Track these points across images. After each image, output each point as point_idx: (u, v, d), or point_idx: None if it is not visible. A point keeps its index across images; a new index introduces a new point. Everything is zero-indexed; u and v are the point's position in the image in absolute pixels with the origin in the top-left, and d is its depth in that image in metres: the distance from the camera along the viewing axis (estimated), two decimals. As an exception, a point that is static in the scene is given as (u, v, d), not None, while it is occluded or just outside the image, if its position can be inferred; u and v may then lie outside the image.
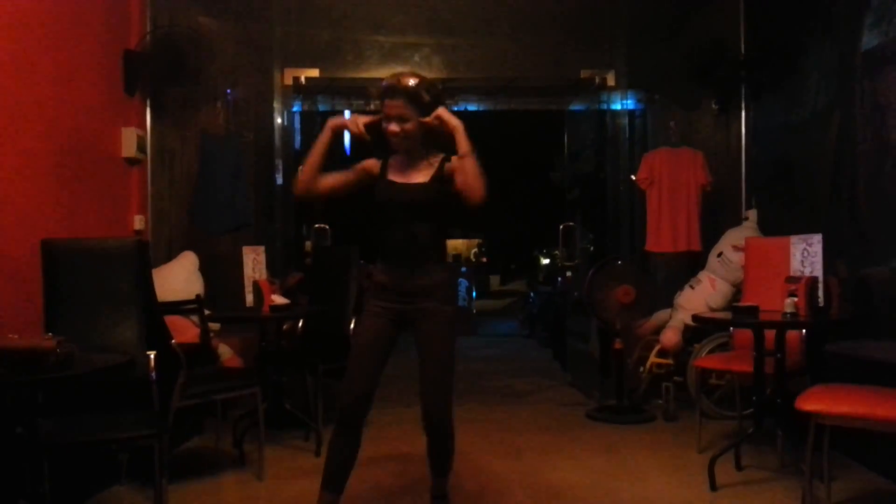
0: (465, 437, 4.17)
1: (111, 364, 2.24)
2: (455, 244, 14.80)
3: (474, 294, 10.66)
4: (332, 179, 2.75)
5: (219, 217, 4.81)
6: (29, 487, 2.33)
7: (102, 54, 3.91)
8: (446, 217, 2.70)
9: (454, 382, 2.70)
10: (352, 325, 4.41)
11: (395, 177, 2.70)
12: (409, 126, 2.61)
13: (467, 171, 2.54)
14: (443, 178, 2.63)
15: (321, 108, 6.85)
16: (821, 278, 3.29)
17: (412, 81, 2.60)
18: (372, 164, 2.77)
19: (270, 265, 4.46)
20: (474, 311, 10.34)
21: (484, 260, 13.80)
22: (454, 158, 2.61)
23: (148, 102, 4.34)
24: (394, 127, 2.61)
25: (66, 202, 3.54)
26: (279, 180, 6.16)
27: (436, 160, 2.69)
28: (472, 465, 3.67)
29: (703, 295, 4.61)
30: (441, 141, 2.66)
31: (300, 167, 2.69)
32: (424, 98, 2.60)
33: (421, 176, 2.67)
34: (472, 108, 6.94)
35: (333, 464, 2.69)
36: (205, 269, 4.40)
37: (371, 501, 3.30)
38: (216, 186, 4.82)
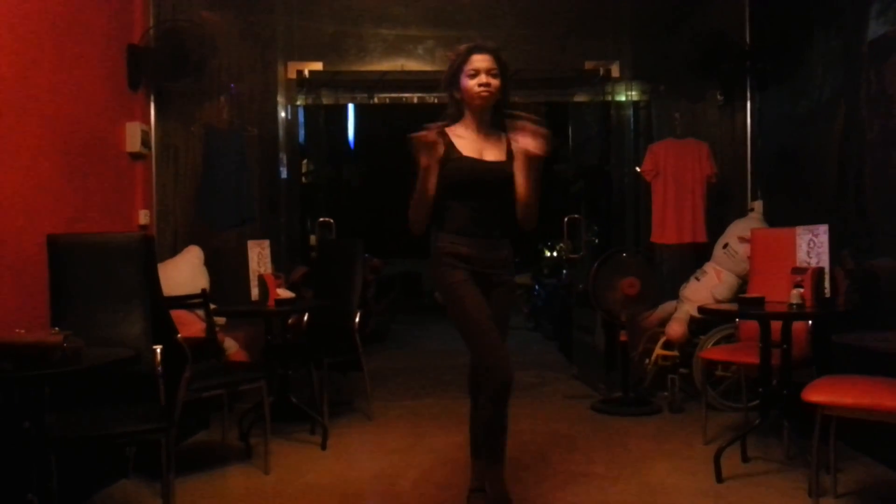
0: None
1: (117, 358, 2.25)
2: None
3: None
4: (432, 189, 2.65)
5: (223, 212, 4.82)
6: (36, 482, 2.34)
7: (106, 49, 3.91)
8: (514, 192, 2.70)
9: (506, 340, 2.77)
10: (357, 319, 4.42)
11: (469, 151, 2.68)
12: (498, 82, 2.65)
13: (530, 204, 2.68)
14: (512, 154, 2.70)
15: (324, 101, 6.84)
16: (827, 269, 3.27)
17: (492, 44, 2.69)
18: (436, 138, 2.64)
19: (275, 259, 4.47)
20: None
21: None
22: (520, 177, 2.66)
23: (152, 97, 4.34)
24: (484, 78, 2.63)
25: (70, 197, 3.54)
26: (283, 174, 6.16)
27: (500, 132, 2.74)
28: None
29: (708, 286, 4.60)
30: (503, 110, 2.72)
31: (410, 206, 2.68)
32: (504, 59, 2.69)
33: (496, 152, 2.71)
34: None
35: (488, 434, 2.70)
36: (210, 264, 4.41)
37: (377, 494, 3.31)
38: (220, 181, 4.82)
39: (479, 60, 2.63)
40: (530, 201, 2.68)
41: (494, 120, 2.75)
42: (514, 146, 2.67)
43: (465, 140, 2.69)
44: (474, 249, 2.68)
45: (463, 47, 2.68)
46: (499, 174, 2.67)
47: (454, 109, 2.74)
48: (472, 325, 2.63)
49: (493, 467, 2.69)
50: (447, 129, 2.70)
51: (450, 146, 2.66)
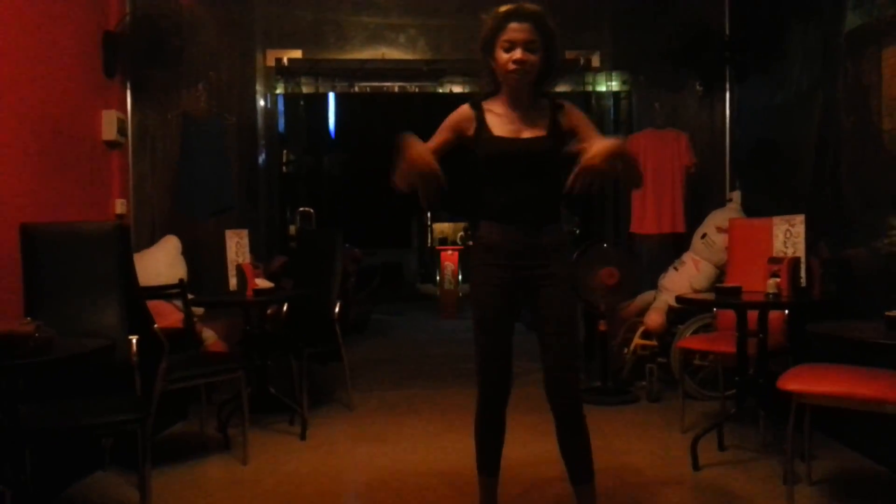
0: (450, 420, 4.19)
1: (91, 349, 2.22)
2: (441, 227, 14.82)
3: (460, 277, 10.66)
4: (435, 153, 2.32)
5: (201, 200, 4.77)
6: (10, 474, 2.31)
7: (81, 36, 3.85)
8: (559, 170, 2.36)
9: (579, 355, 2.51)
10: (336, 309, 4.40)
11: (503, 130, 2.36)
12: (535, 58, 2.29)
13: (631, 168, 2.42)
14: (559, 130, 2.36)
15: (304, 89, 6.80)
16: (803, 259, 3.31)
17: (537, 7, 2.31)
18: (465, 116, 2.41)
19: (254, 249, 4.43)
20: (460, 295, 10.35)
21: (471, 243, 13.83)
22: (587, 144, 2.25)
23: (128, 85, 4.28)
24: (519, 54, 2.26)
25: (45, 186, 3.49)
26: (262, 163, 6.12)
27: (542, 105, 2.39)
28: (457, 446, 3.68)
29: (686, 276, 4.63)
30: (548, 78, 2.39)
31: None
32: (550, 26, 2.30)
33: (535, 128, 2.36)
34: (457, 89, 6.90)
35: (488, 450, 2.53)
36: (188, 253, 4.37)
37: (356, 484, 3.31)
38: (198, 169, 4.78)
39: (516, 31, 2.26)
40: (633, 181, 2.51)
41: (537, 93, 2.40)
42: (565, 120, 2.36)
43: (501, 117, 2.38)
44: (510, 237, 2.36)
45: (501, 9, 2.31)
46: (536, 152, 2.33)
47: (489, 80, 2.40)
48: (478, 327, 2.44)
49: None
50: (483, 104, 2.41)
51: (481, 124, 2.37)
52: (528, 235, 2.36)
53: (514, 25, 2.27)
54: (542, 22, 2.29)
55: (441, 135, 2.42)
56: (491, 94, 2.43)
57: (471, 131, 2.39)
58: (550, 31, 2.30)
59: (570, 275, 2.46)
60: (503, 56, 2.29)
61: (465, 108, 2.43)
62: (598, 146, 2.19)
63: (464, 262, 11.45)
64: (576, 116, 2.41)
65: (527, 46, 2.27)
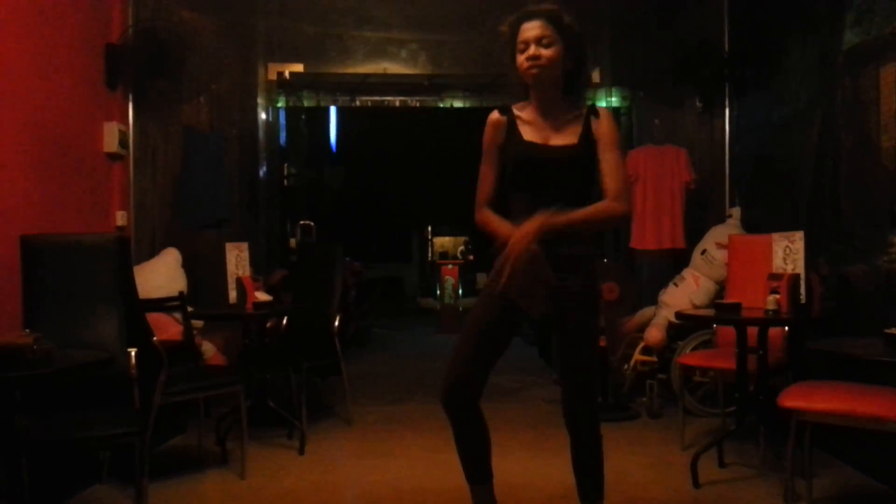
0: (449, 435, 4.16)
1: (89, 361, 2.22)
2: (442, 241, 14.82)
3: (461, 292, 10.66)
4: (492, 185, 2.37)
5: (199, 212, 4.78)
6: (7, 486, 2.30)
7: (83, 48, 3.87)
8: (589, 179, 2.30)
9: (598, 375, 2.45)
10: (336, 323, 4.40)
11: (532, 136, 2.31)
12: (551, 52, 2.23)
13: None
14: (590, 138, 2.28)
15: (306, 103, 6.82)
16: (803, 275, 3.31)
17: (551, 6, 2.28)
18: (496, 123, 2.37)
19: (254, 262, 4.43)
20: (461, 309, 10.34)
21: (471, 257, 13.81)
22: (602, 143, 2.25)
23: (130, 97, 4.30)
24: (532, 50, 2.22)
25: (46, 198, 3.50)
26: (263, 176, 6.13)
27: (577, 111, 2.32)
28: (455, 463, 3.65)
29: (686, 292, 4.62)
30: (581, 86, 2.35)
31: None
32: (567, 21, 2.25)
33: (565, 135, 2.30)
34: (457, 104, 6.93)
35: (467, 457, 2.45)
36: (188, 266, 4.37)
37: (355, 499, 3.29)
38: (196, 181, 4.79)
39: (527, 30, 2.24)
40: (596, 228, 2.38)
41: (567, 96, 2.34)
42: (596, 128, 2.28)
43: (531, 124, 2.33)
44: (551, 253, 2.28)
45: (513, 17, 2.30)
46: (564, 160, 2.27)
47: (519, 90, 2.36)
48: (461, 335, 2.40)
49: (478, 490, 2.46)
50: (514, 108, 2.37)
51: (512, 129, 2.34)
52: (549, 245, 2.23)
53: (525, 26, 2.26)
54: (556, 17, 2.25)
55: (487, 157, 2.39)
56: (522, 101, 2.39)
57: (502, 137, 2.36)
58: (567, 27, 2.26)
59: (590, 290, 2.32)
60: (520, 58, 2.27)
61: (494, 115, 2.39)
62: (517, 232, 2.17)
63: (464, 276, 11.47)
64: (603, 126, 2.31)
65: (539, 42, 2.23)
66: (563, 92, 2.33)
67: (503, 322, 2.36)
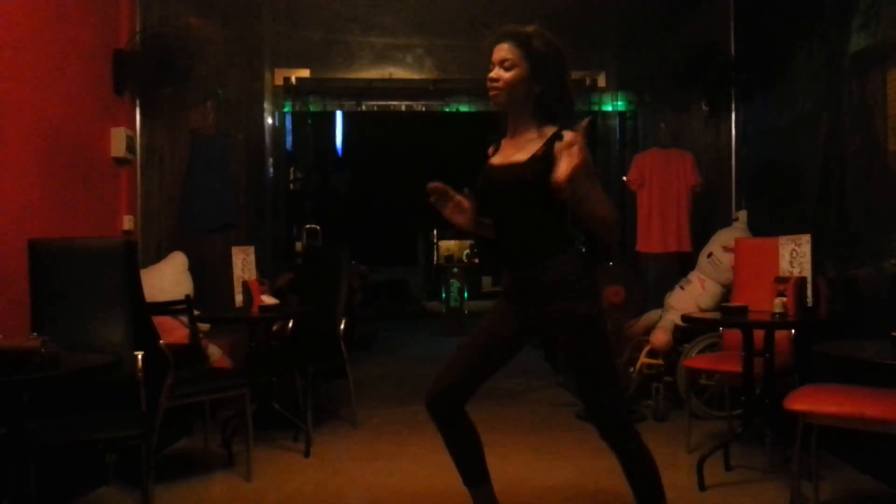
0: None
1: (96, 364, 2.23)
2: (448, 245, 14.83)
3: (466, 295, 10.66)
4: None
5: (205, 216, 4.80)
6: (14, 489, 2.32)
7: (91, 54, 3.90)
8: (552, 199, 2.15)
9: (617, 389, 2.35)
10: (342, 326, 4.41)
11: (500, 157, 2.31)
12: (510, 75, 2.22)
13: (594, 220, 2.16)
14: (548, 158, 2.15)
15: (312, 108, 6.84)
16: (809, 278, 3.30)
17: (529, 28, 2.27)
18: (490, 155, 2.40)
19: (260, 265, 4.45)
20: (466, 312, 10.34)
21: (476, 261, 13.83)
22: (559, 144, 2.13)
23: (137, 102, 4.32)
24: (492, 73, 2.24)
25: (54, 202, 3.52)
26: (270, 180, 6.15)
27: (540, 130, 2.27)
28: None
29: (692, 295, 4.62)
30: (557, 110, 2.27)
31: None
32: (537, 46, 2.22)
33: (521, 155, 2.24)
34: (463, 109, 6.95)
35: (458, 460, 2.42)
36: (194, 270, 4.39)
37: (360, 502, 3.29)
38: (205, 186, 4.81)
39: (495, 52, 2.25)
40: (591, 217, 2.17)
41: (541, 114, 2.28)
42: (557, 147, 2.15)
43: (505, 145, 2.35)
44: (510, 282, 2.31)
45: (492, 37, 2.30)
46: (509, 179, 2.22)
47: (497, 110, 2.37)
48: (463, 341, 2.41)
49: (475, 492, 2.44)
50: (503, 140, 2.39)
51: (491, 156, 2.39)
52: (523, 277, 2.26)
53: (495, 47, 2.27)
54: (524, 40, 2.24)
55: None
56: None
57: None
58: (534, 51, 2.23)
59: (582, 313, 2.21)
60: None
61: (490, 150, 2.42)
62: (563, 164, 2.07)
63: (469, 280, 11.46)
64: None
65: (501, 65, 2.24)
66: (537, 115, 2.28)
67: (508, 340, 2.37)
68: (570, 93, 2.34)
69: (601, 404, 2.30)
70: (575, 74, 6.01)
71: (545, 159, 2.16)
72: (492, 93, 2.26)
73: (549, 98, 2.26)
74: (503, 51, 2.24)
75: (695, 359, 4.10)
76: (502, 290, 2.39)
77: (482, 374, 2.38)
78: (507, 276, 2.35)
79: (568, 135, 2.12)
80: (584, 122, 2.14)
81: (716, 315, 3.65)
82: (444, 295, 10.63)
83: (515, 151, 2.27)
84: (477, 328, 2.42)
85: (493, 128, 2.44)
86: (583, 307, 2.21)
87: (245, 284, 4.04)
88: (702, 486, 3.23)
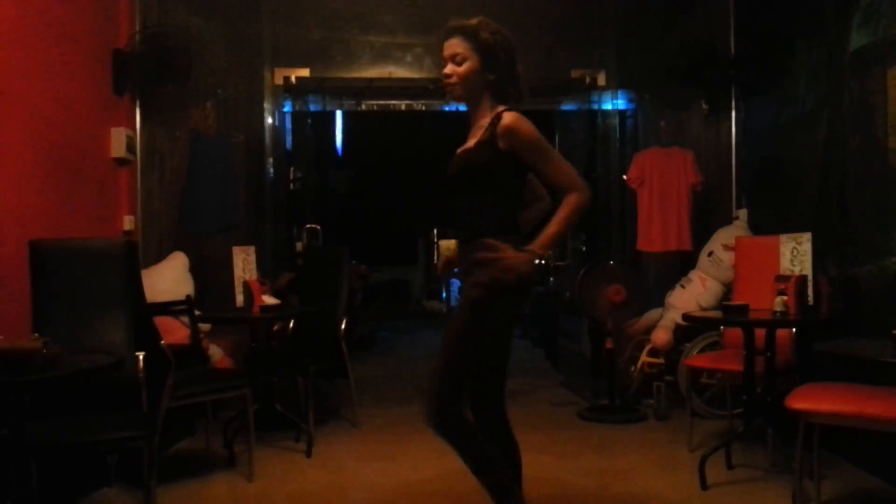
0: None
1: (98, 365, 2.22)
2: (448, 244, 14.84)
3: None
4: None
5: (207, 217, 4.80)
6: (16, 490, 2.31)
7: (91, 54, 3.89)
8: (500, 183, 2.28)
9: (458, 379, 2.27)
10: (343, 326, 4.41)
11: (463, 147, 2.38)
12: (464, 69, 2.29)
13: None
14: (492, 142, 2.25)
15: (312, 107, 6.84)
16: (810, 277, 3.30)
17: (474, 20, 2.32)
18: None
19: (261, 265, 4.45)
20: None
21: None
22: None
23: (137, 102, 4.32)
24: (446, 69, 2.31)
25: (54, 203, 3.52)
26: (270, 180, 6.14)
27: (490, 115, 2.31)
28: (461, 467, 3.65)
29: (693, 294, 4.62)
30: (508, 89, 2.33)
31: None
32: (484, 36, 2.28)
33: (471, 141, 2.33)
34: (463, 108, 6.93)
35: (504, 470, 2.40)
36: (195, 270, 4.39)
37: (362, 502, 3.29)
38: (206, 187, 4.81)
39: (446, 48, 2.32)
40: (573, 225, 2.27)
41: (496, 98, 2.34)
42: (500, 136, 2.23)
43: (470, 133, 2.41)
44: (461, 252, 2.42)
45: (440, 35, 2.37)
46: (460, 167, 2.32)
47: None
48: (476, 351, 2.34)
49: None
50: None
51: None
52: (465, 252, 2.36)
53: (445, 44, 2.33)
54: (471, 33, 2.30)
55: None
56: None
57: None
58: (483, 42, 2.28)
59: (473, 292, 2.25)
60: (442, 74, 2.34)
61: None
62: (509, 261, 2.18)
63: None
64: (516, 141, 2.24)
65: (452, 60, 2.31)
66: (492, 100, 2.34)
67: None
68: (520, 75, 2.38)
69: (438, 379, 2.24)
70: (575, 73, 6.08)
71: (489, 144, 2.25)
72: (448, 88, 2.33)
73: (502, 84, 2.33)
74: (453, 46, 2.31)
75: (696, 358, 4.10)
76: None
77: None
78: (461, 250, 2.42)
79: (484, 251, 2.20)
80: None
81: (717, 314, 3.65)
82: (444, 294, 10.63)
83: (471, 138, 2.36)
84: (491, 346, 2.37)
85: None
86: (476, 286, 2.24)
87: (246, 284, 4.04)
88: (703, 486, 3.23)
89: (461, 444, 2.28)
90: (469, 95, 2.34)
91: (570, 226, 2.26)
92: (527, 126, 2.24)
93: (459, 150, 2.37)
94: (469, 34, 2.30)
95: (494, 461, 2.30)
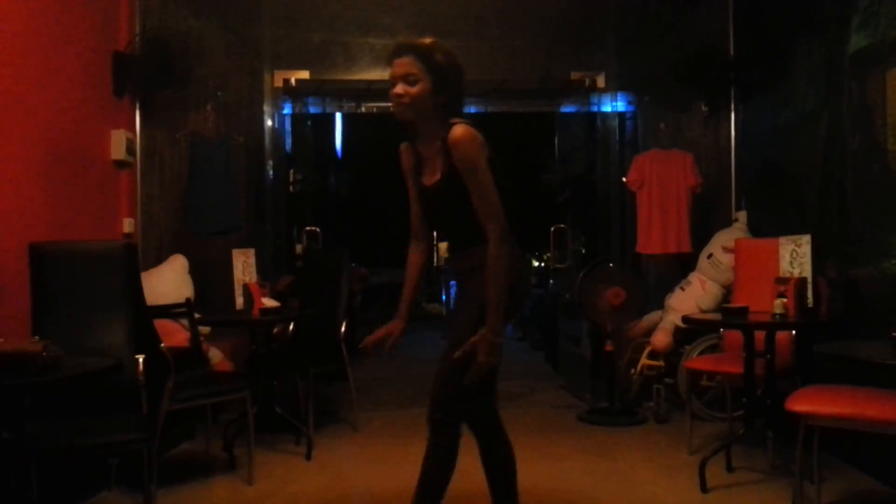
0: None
1: (98, 368, 2.22)
2: (447, 246, 14.86)
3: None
4: (418, 214, 2.49)
5: (207, 220, 4.80)
6: (16, 493, 2.31)
7: (91, 56, 3.89)
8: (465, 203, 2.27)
9: (460, 385, 2.27)
10: (343, 329, 4.41)
11: (424, 176, 2.37)
12: (416, 89, 2.21)
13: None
14: (451, 173, 2.25)
15: (312, 110, 6.84)
16: (810, 279, 3.30)
17: (427, 41, 2.27)
18: (406, 158, 2.42)
19: (261, 268, 4.44)
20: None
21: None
22: None
23: (137, 105, 4.32)
24: (398, 89, 2.22)
25: (54, 205, 3.51)
26: (270, 182, 6.15)
27: (438, 143, 2.28)
28: (461, 469, 3.65)
29: (693, 296, 4.62)
30: (455, 111, 2.28)
31: None
32: (439, 59, 2.23)
33: (434, 171, 2.31)
34: (469, 109, 6.94)
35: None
36: (195, 273, 4.39)
37: (362, 505, 3.29)
38: (206, 189, 4.81)
39: (395, 66, 2.23)
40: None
41: (445, 119, 2.28)
42: (452, 152, 2.21)
43: (424, 159, 2.37)
44: (454, 261, 2.48)
45: (391, 49, 2.28)
46: (439, 199, 2.33)
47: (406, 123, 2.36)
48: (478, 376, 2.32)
49: None
50: (415, 146, 2.39)
51: (417, 166, 2.39)
52: (457, 256, 2.43)
53: (395, 61, 2.24)
54: (425, 54, 2.23)
55: (408, 185, 2.46)
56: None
57: (410, 174, 2.43)
58: (437, 64, 2.23)
59: (473, 296, 2.29)
60: (390, 93, 2.25)
61: (404, 149, 2.42)
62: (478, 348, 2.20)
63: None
64: (456, 152, 2.21)
65: (405, 79, 2.21)
66: (441, 121, 2.27)
67: None
68: (462, 99, 2.36)
69: (446, 384, 2.29)
70: (574, 75, 6.09)
71: (449, 176, 2.24)
72: (398, 108, 2.25)
73: (452, 108, 2.28)
74: (406, 65, 2.22)
75: (696, 360, 4.10)
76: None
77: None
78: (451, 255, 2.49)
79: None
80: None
81: (716, 316, 3.65)
82: (444, 297, 10.63)
83: (431, 168, 2.33)
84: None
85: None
86: (476, 292, 2.27)
87: (246, 287, 4.04)
88: (703, 489, 3.23)
89: (441, 452, 2.36)
90: (418, 117, 2.27)
91: (502, 285, 2.21)
92: (469, 143, 2.20)
93: (428, 184, 2.34)
94: (423, 55, 2.23)
95: (443, 486, 2.41)
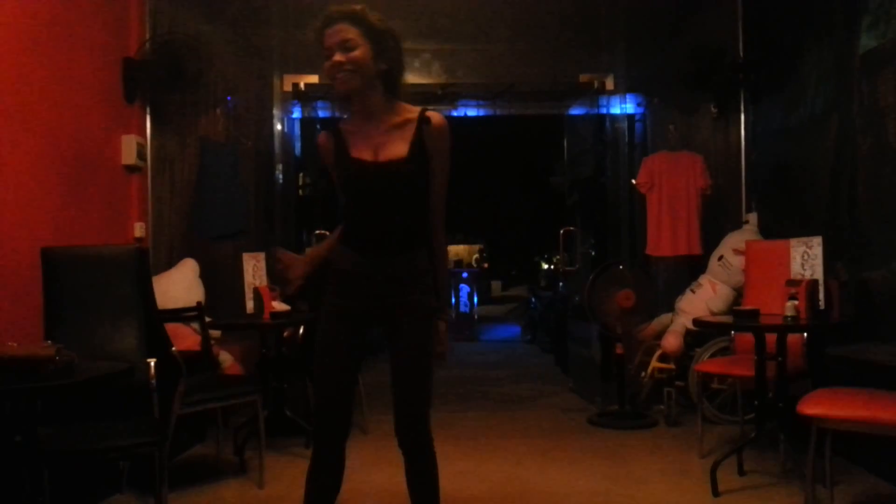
0: (464, 445, 4.17)
1: (110, 372, 2.23)
2: (457, 249, 14.82)
3: (476, 300, 10.65)
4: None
5: (217, 224, 4.82)
6: (28, 496, 2.33)
7: (102, 62, 3.92)
8: (426, 188, 2.16)
9: (430, 393, 2.26)
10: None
11: (360, 151, 2.13)
12: (357, 53, 2.05)
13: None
14: (423, 146, 2.12)
15: (321, 114, 6.86)
16: (821, 281, 3.28)
17: (356, 6, 2.10)
18: (324, 147, 2.22)
19: (271, 271, 4.45)
20: (476, 318, 10.33)
21: (485, 265, 13.85)
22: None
23: (148, 110, 4.35)
24: (336, 57, 2.05)
25: (65, 210, 3.54)
26: (279, 186, 6.16)
27: (409, 115, 2.15)
28: (471, 472, 3.66)
29: (704, 299, 4.60)
30: (399, 81, 2.15)
31: None
32: (373, 20, 2.08)
33: (395, 146, 2.12)
34: (471, 113, 6.95)
35: (313, 494, 2.31)
36: (205, 276, 4.41)
37: (372, 508, 3.29)
38: (215, 193, 4.83)
39: (330, 35, 2.06)
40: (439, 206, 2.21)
41: (393, 98, 2.15)
42: (428, 136, 2.12)
43: (358, 135, 2.15)
44: (361, 265, 2.14)
45: (317, 23, 2.10)
46: (394, 176, 2.11)
47: (340, 102, 2.19)
48: (316, 362, 2.23)
49: None
50: (340, 125, 2.19)
51: (340, 146, 2.16)
52: (382, 264, 2.14)
53: (328, 31, 2.07)
54: (358, 18, 2.07)
55: (332, 178, 2.29)
56: (346, 114, 2.22)
57: (331, 159, 2.20)
58: (373, 27, 2.08)
59: (430, 305, 2.18)
60: (326, 66, 2.08)
61: (321, 138, 2.24)
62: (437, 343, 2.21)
63: (479, 284, 11.44)
64: (436, 137, 2.14)
65: (342, 46, 2.05)
66: (386, 93, 2.14)
67: (359, 343, 2.28)
68: (404, 68, 2.20)
69: (419, 402, 2.22)
70: (583, 77, 6.09)
71: (420, 152, 2.12)
72: (341, 77, 2.06)
73: (394, 75, 2.14)
74: (341, 31, 2.05)
75: (706, 363, 4.08)
76: (346, 276, 2.19)
77: (354, 388, 2.32)
78: (358, 260, 2.15)
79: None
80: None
81: (727, 318, 3.63)
82: (453, 300, 10.64)
83: (384, 142, 2.13)
84: (324, 343, 2.23)
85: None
86: (430, 300, 2.19)
87: (256, 291, 4.05)
88: (715, 492, 3.21)
89: (428, 462, 2.34)
90: (363, 88, 2.09)
91: (446, 275, 2.29)
92: (448, 131, 2.15)
93: (382, 159, 2.12)
94: (356, 19, 2.07)
95: (438, 482, 2.37)
